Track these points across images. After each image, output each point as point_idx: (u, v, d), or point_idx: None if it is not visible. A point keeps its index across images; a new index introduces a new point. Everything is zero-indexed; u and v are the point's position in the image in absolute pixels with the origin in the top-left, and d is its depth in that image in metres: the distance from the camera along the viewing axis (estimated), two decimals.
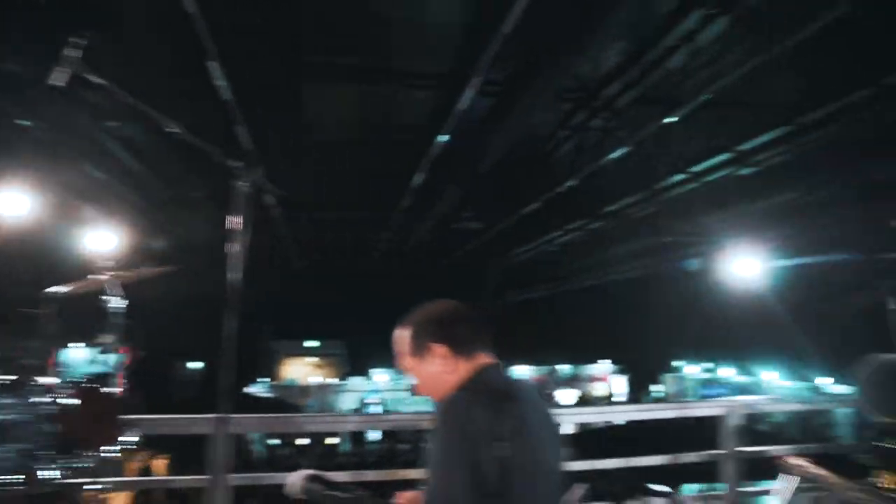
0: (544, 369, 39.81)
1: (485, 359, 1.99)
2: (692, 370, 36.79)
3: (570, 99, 7.89)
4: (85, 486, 2.74)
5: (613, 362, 38.55)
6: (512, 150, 8.54)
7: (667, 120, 7.32)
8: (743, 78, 6.06)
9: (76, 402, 2.82)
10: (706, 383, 34.72)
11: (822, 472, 3.05)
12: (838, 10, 4.86)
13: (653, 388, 35.08)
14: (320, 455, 24.41)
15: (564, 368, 40.18)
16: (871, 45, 5.59)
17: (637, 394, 34.81)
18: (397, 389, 31.93)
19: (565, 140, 9.14)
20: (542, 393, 2.15)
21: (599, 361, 38.73)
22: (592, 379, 39.04)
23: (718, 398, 15.97)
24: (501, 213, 12.25)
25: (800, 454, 3.26)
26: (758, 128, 7.17)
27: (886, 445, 1.20)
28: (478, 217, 13.01)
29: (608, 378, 38.21)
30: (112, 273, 3.32)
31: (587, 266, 16.74)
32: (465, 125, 7.38)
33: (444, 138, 7.68)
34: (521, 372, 40.02)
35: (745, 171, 8.42)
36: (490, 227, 13.21)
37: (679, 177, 8.87)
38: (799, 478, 3.27)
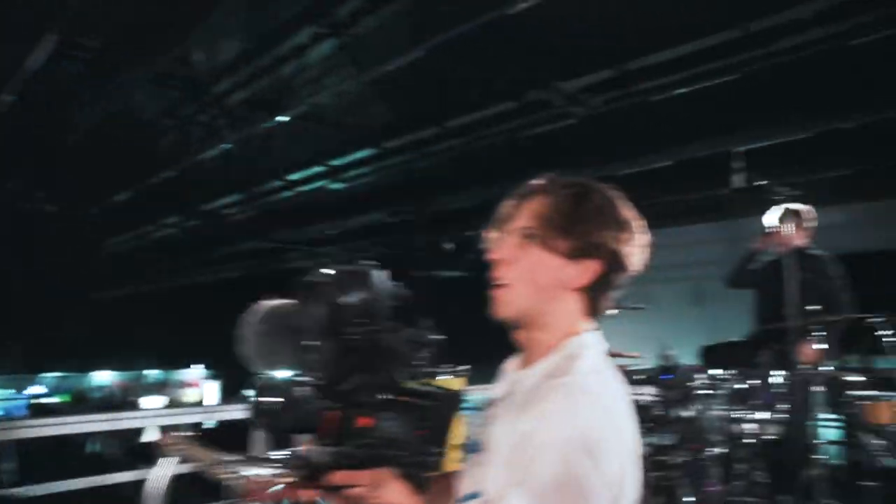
0: (130, 375, 36.71)
1: None
2: (283, 374, 37.95)
3: (176, 87, 7.52)
4: None
5: (206, 367, 37.50)
6: (104, 129, 7.75)
7: (270, 125, 7.49)
8: (341, 97, 6.57)
9: None
10: None
11: (197, 450, 2.97)
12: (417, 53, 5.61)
13: (245, 392, 35.15)
14: None
15: (153, 373, 37.65)
16: (442, 86, 6.57)
17: (229, 398, 34.42)
18: None
19: (169, 129, 8.66)
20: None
21: (192, 366, 37.35)
22: (184, 384, 37.37)
23: None
24: (87, 199, 10.99)
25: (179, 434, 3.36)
26: (349, 146, 7.79)
27: (263, 401, 1.18)
28: (55, 199, 11.43)
29: (200, 383, 37.05)
30: None
31: (184, 265, 16.02)
32: (41, 89, 6.44)
33: (9, 98, 6.57)
34: (102, 378, 36.24)
35: (336, 186, 9.05)
36: (71, 213, 11.73)
37: (277, 183, 9.12)
38: (178, 457, 3.24)
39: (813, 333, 4.09)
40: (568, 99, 6.16)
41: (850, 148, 7.73)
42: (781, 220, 4.91)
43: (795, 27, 5.13)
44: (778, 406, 4.04)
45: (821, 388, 3.96)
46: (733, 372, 4.27)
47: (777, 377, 4.09)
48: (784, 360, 4.13)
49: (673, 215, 11.31)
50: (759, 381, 4.11)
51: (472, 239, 10.93)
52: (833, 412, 4.51)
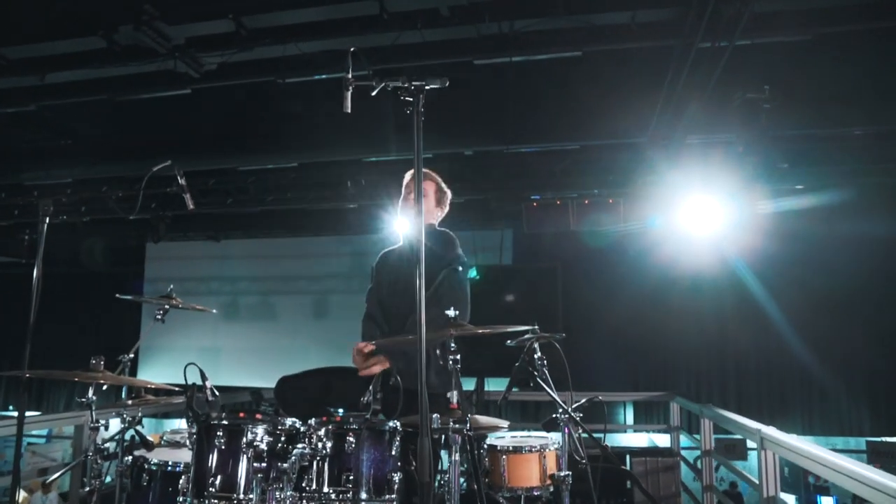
0: None
1: None
2: None
3: None
4: None
5: None
6: None
7: None
8: None
9: None
10: None
11: None
12: None
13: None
14: None
15: None
16: None
17: None
18: None
19: None
20: None
21: None
22: None
23: None
24: None
25: None
26: None
27: None
28: None
29: None
30: None
31: None
32: None
33: None
34: None
35: None
36: None
37: None
38: None
39: (448, 353, 2.50)
40: (174, 50, 4.94)
41: None
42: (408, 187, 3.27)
43: None
44: (386, 475, 2.37)
45: (456, 440, 2.39)
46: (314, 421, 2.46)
47: (390, 427, 2.43)
48: (395, 401, 2.56)
49: (299, 224, 10.67)
50: (353, 439, 2.35)
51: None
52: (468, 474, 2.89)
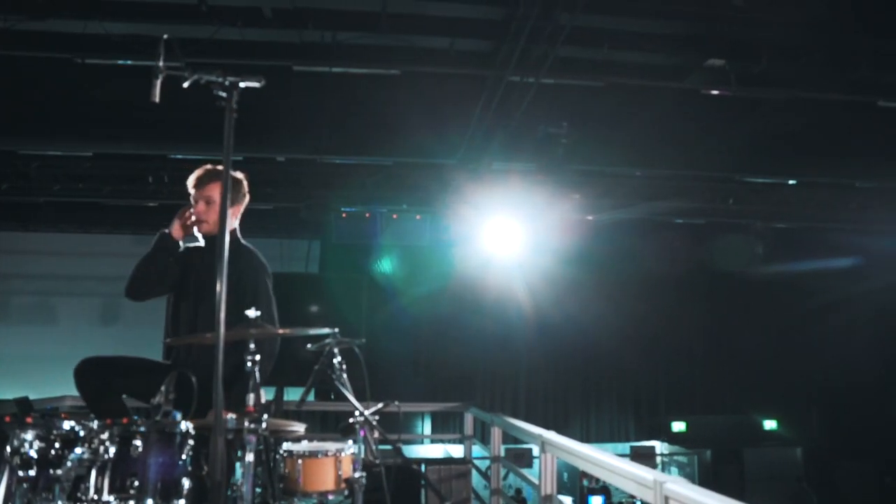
0: None
1: None
2: None
3: None
4: None
5: None
6: None
7: None
8: None
9: None
10: None
11: None
12: None
13: None
14: None
15: None
16: None
17: None
18: None
19: None
20: None
21: None
22: None
23: None
24: None
25: None
26: None
27: None
28: None
29: None
30: None
31: None
32: None
33: None
34: None
35: None
36: None
37: None
38: None
39: (247, 356, 2.47)
40: None
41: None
42: (202, 183, 3.22)
43: None
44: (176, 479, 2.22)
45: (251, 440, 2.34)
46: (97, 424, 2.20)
47: (181, 429, 2.28)
48: (189, 399, 2.45)
49: (90, 219, 9.75)
50: (140, 442, 2.17)
51: None
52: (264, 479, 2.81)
